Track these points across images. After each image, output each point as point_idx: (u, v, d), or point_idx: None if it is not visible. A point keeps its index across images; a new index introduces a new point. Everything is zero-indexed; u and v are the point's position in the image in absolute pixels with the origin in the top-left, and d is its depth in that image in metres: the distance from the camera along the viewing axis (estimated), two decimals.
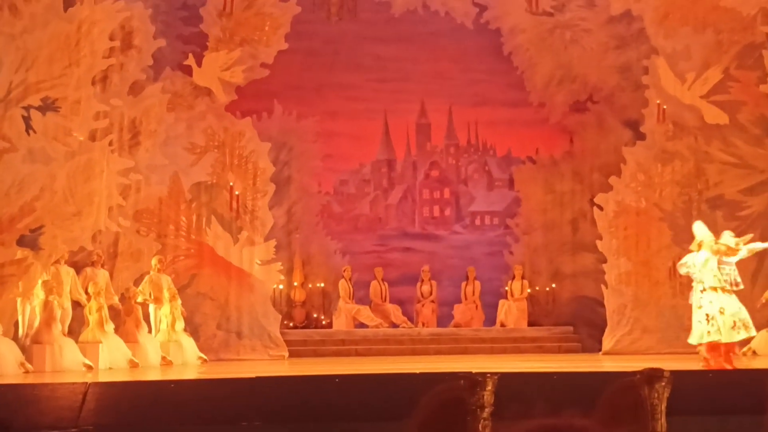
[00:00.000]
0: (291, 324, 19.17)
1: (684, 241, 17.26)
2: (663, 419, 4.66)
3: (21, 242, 14.85)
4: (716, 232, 14.08)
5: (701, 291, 12.38)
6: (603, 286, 17.73)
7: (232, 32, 18.00)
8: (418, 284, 19.83)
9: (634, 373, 4.64)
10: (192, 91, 17.72)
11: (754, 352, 15.53)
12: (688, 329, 16.99)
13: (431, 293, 19.76)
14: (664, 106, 17.84)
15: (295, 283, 19.63)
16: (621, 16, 18.33)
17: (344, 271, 19.51)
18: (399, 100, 20.62)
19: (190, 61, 17.73)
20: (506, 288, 19.59)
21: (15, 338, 14.01)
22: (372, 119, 20.73)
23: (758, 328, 15.81)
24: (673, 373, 4.84)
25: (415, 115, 21.11)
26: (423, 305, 19.67)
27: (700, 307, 12.38)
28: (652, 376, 4.60)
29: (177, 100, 17.51)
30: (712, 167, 17.59)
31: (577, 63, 19.24)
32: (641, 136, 18.03)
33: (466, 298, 19.65)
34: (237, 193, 17.83)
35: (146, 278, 16.16)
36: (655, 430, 4.60)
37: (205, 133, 17.81)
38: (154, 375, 13.79)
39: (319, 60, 20.06)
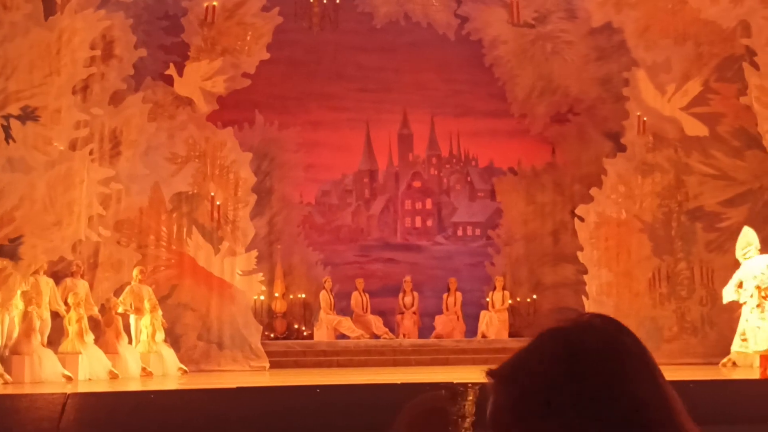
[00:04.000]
0: (272, 335, 19.11)
1: (664, 253, 17.36)
2: None
3: (0, 252, 14.75)
4: (695, 243, 14.21)
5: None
6: (584, 297, 17.76)
7: (214, 42, 17.96)
8: (400, 295, 19.81)
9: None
10: (173, 100, 17.67)
11: (734, 363, 15.56)
12: (668, 340, 17.15)
13: (413, 304, 19.74)
14: (645, 118, 17.91)
15: (277, 294, 19.58)
16: (602, 28, 18.40)
17: (325, 281, 19.47)
18: (381, 110, 20.65)
19: (172, 70, 17.68)
20: (487, 299, 19.59)
21: None
22: (354, 129, 20.74)
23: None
24: None
25: (397, 126, 21.13)
26: (404, 316, 19.64)
27: None
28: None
29: (158, 110, 17.46)
30: (691, 179, 17.66)
31: (558, 74, 19.32)
32: (622, 148, 18.10)
33: (447, 309, 19.64)
34: (218, 203, 17.77)
35: (127, 289, 16.08)
36: None
37: (186, 143, 17.75)
38: (134, 386, 13.72)
39: (301, 70, 20.05)
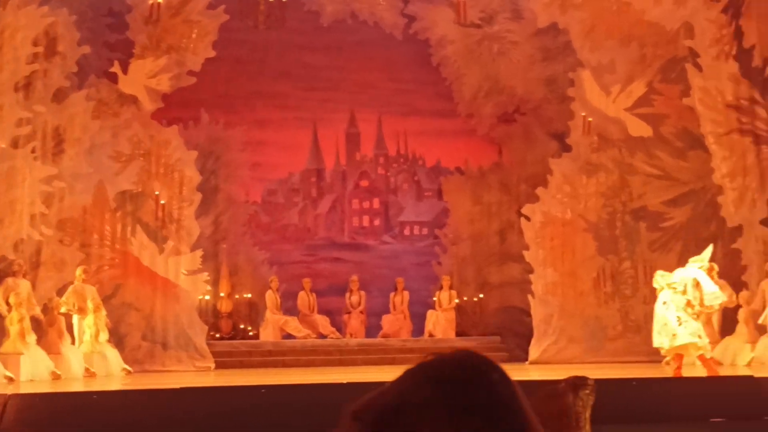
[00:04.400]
0: (217, 335, 18.98)
1: (608, 252, 17.53)
2: (588, 427, 4.69)
3: None
4: (639, 243, 14.36)
5: None
6: (530, 296, 17.87)
7: (159, 39, 17.80)
8: (347, 294, 19.78)
9: (558, 381, 4.65)
10: (117, 98, 17.49)
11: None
12: (612, 338, 17.33)
13: (360, 303, 19.72)
14: (590, 119, 18.06)
15: (222, 294, 19.45)
16: (547, 29, 18.52)
17: (271, 281, 19.38)
18: (328, 109, 20.60)
19: (116, 68, 17.49)
20: (434, 298, 19.63)
21: None
22: (301, 128, 20.67)
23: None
24: (597, 381, 4.87)
25: (344, 125, 21.10)
26: (351, 316, 19.62)
27: None
28: (577, 384, 4.61)
29: (102, 108, 17.27)
30: (635, 179, 17.84)
31: (505, 75, 19.41)
32: (567, 148, 18.24)
33: (394, 308, 19.65)
34: (163, 202, 17.62)
35: (70, 288, 15.87)
36: None
37: (131, 142, 17.58)
38: (77, 386, 13.55)
39: (247, 68, 19.94)
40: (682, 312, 13.13)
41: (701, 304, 13.22)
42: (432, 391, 1.32)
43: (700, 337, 13.13)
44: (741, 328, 15.94)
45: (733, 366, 15.33)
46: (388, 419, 1.32)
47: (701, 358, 13.30)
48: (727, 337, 16.04)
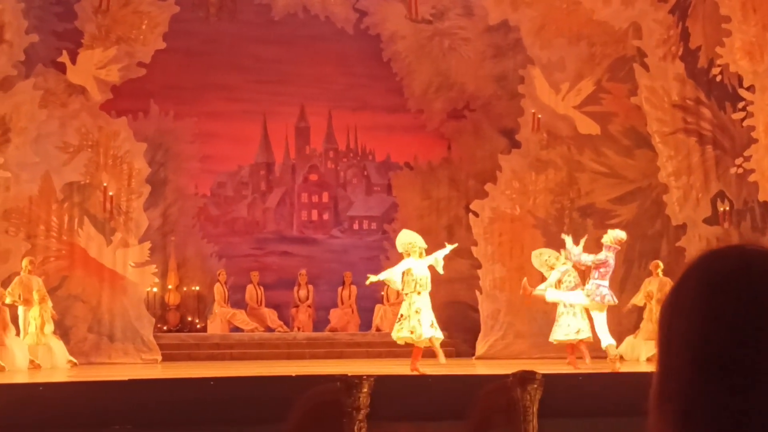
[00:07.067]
0: (165, 327, 18.90)
1: (556, 248, 17.67)
2: (535, 421, 4.76)
3: None
4: (587, 239, 14.51)
5: None
6: (477, 292, 17.98)
7: (108, 30, 17.64)
8: (295, 288, 19.77)
9: (506, 375, 4.72)
10: (66, 88, 17.31)
11: (621, 357, 15.95)
12: None
13: (308, 297, 19.73)
14: (539, 116, 18.21)
15: (170, 286, 19.35)
16: (498, 26, 18.64)
17: (219, 274, 19.31)
18: (278, 102, 20.54)
19: (64, 58, 17.31)
20: (382, 293, 19.67)
21: None
22: (251, 121, 20.60)
23: (624, 335, 16.36)
24: (545, 376, 4.95)
25: (294, 118, 21.06)
26: (299, 309, 19.62)
27: None
28: (525, 378, 4.69)
29: (50, 98, 17.08)
30: (584, 176, 18.03)
31: (455, 71, 19.50)
32: (517, 145, 18.38)
33: (342, 303, 19.68)
34: (111, 193, 17.47)
35: (16, 279, 15.69)
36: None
37: (79, 132, 17.41)
38: (21, 378, 13.42)
39: (198, 60, 19.81)
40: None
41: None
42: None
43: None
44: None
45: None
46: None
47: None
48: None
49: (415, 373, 12.80)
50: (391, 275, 13.83)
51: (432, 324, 13.44)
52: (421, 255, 13.68)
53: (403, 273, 13.59)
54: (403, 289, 13.74)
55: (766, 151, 16.22)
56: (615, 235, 13.40)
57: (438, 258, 13.75)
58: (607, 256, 13.22)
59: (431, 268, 13.72)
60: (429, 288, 13.62)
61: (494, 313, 17.72)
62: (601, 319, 13.34)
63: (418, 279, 13.44)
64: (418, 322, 13.31)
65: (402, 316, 13.62)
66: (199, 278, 19.84)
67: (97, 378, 12.82)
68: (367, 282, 14.21)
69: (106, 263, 17.27)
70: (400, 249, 14.02)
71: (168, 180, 19.42)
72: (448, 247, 13.94)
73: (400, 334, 13.55)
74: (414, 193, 20.33)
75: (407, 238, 13.98)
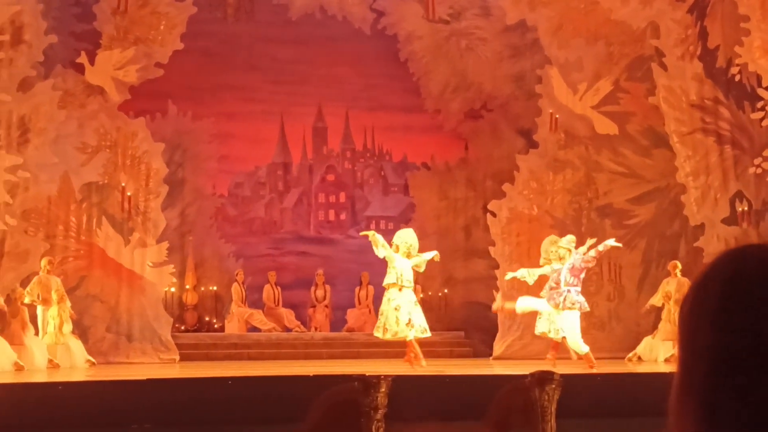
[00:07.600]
0: (182, 327, 18.95)
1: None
2: (553, 421, 4.75)
3: None
4: (604, 240, 14.48)
5: None
6: (495, 292, 17.95)
7: (127, 31, 17.70)
8: (312, 288, 19.79)
9: (525, 375, 4.71)
10: (84, 89, 17.37)
11: (639, 358, 15.92)
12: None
13: (325, 297, 19.74)
14: (557, 116, 18.17)
15: (188, 286, 19.40)
16: (516, 26, 18.61)
17: (237, 274, 19.36)
18: (296, 103, 20.57)
19: (83, 58, 17.37)
20: None
21: None
22: (268, 121, 20.63)
23: (642, 336, 16.31)
24: (563, 376, 4.94)
25: (311, 119, 21.09)
26: (316, 309, 19.64)
27: None
28: (543, 378, 4.68)
29: (68, 98, 17.15)
30: (601, 176, 17.98)
31: (473, 71, 19.47)
32: (534, 145, 18.34)
33: (359, 303, 19.69)
34: (129, 194, 17.53)
35: (35, 279, 15.76)
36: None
37: (97, 133, 17.47)
38: (40, 378, 13.48)
39: (215, 61, 19.87)
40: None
41: None
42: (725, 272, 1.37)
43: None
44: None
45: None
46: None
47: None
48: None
49: (407, 364, 13.02)
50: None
51: (409, 322, 13.45)
52: (409, 255, 13.78)
53: (389, 264, 13.71)
54: (383, 282, 13.85)
55: None
56: (568, 240, 13.86)
57: (424, 259, 13.86)
58: (575, 260, 13.57)
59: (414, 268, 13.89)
60: (412, 285, 13.67)
61: (511, 314, 17.68)
62: (573, 318, 13.51)
63: (400, 274, 13.54)
64: (396, 319, 13.40)
65: (381, 312, 13.73)
66: (216, 278, 19.88)
67: (116, 377, 12.87)
68: (361, 233, 14.38)
69: (125, 263, 17.33)
70: (397, 242, 14.03)
71: (186, 180, 19.47)
72: (433, 253, 14.03)
73: (377, 333, 13.71)
74: (431, 193, 20.31)
75: (411, 240, 14.00)
